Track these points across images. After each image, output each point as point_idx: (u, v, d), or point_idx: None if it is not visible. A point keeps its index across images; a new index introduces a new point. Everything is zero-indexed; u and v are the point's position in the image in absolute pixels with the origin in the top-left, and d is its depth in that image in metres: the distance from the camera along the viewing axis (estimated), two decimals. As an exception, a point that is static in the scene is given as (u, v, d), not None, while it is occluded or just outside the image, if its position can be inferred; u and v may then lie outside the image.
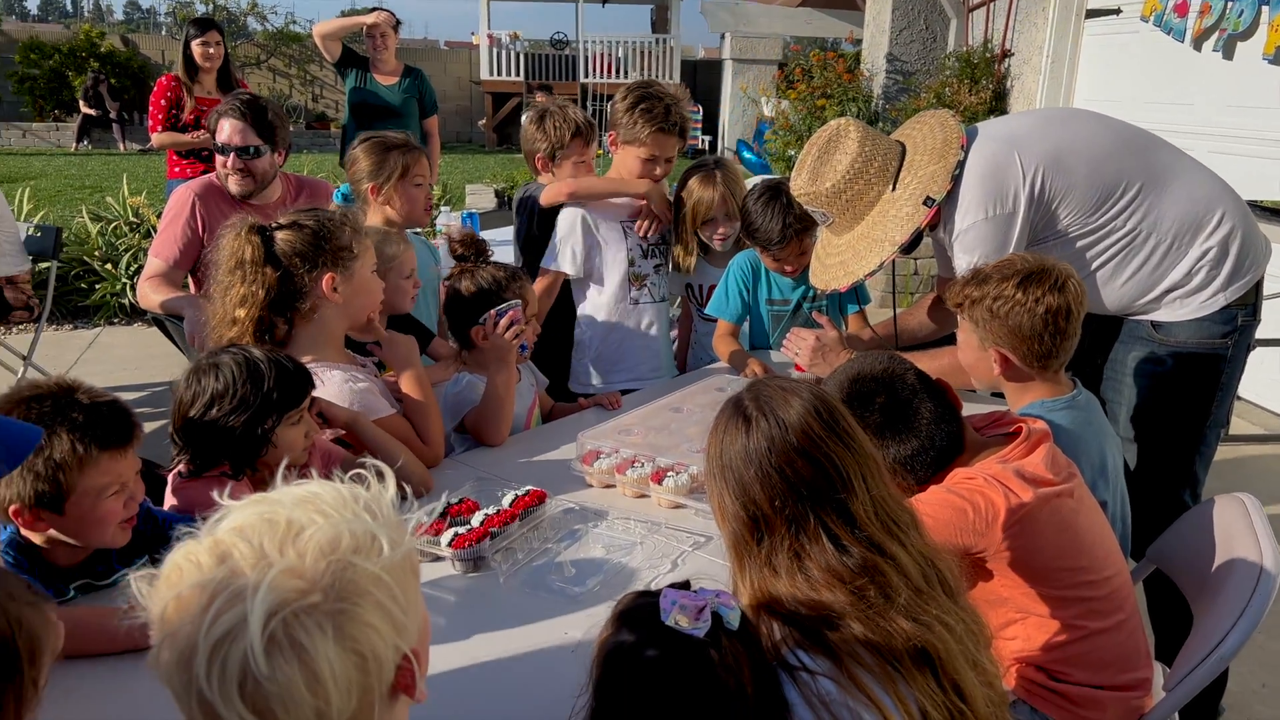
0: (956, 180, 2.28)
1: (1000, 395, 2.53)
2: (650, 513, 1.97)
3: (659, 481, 1.98)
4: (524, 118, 3.02)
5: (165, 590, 0.84)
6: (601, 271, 3.05)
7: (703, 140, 18.34)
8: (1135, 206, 2.24)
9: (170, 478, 1.90)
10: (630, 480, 2.01)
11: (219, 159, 3.33)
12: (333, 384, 2.12)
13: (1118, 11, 6.50)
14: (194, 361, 1.88)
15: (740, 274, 2.99)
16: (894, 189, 2.35)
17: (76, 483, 1.51)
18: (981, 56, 7.63)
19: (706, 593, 1.16)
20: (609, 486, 2.07)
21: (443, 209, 4.86)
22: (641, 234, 3.05)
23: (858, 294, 3.01)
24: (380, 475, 0.94)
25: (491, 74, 18.80)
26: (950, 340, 2.52)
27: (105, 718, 1.37)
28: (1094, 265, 2.28)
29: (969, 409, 1.96)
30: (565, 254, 3.00)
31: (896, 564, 1.30)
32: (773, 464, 1.29)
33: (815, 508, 1.29)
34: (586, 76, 17.88)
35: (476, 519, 1.78)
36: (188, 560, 0.84)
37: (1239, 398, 2.42)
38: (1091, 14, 6.75)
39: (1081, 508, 1.74)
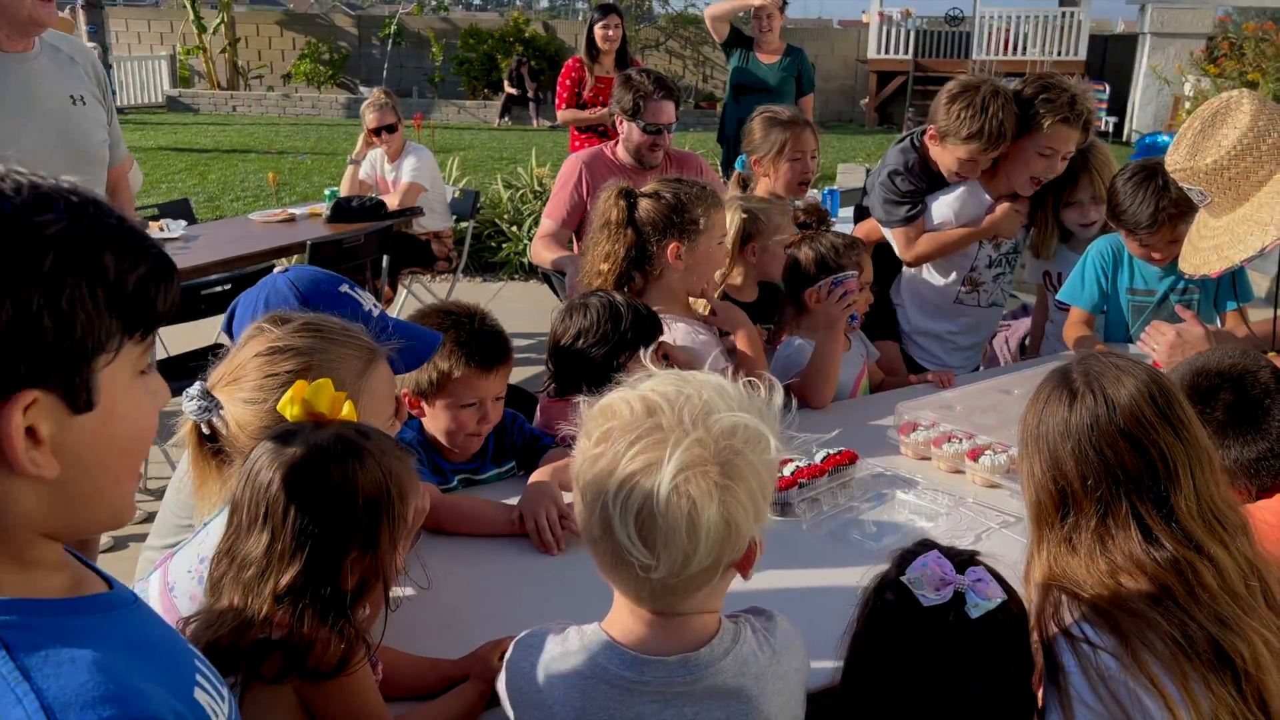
0: None
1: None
2: (963, 489, 1.98)
3: (975, 459, 1.99)
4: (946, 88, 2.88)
5: (601, 418, 1.07)
6: (943, 260, 3.03)
7: (1106, 122, 16.78)
8: None
9: (540, 398, 2.24)
10: (946, 455, 2.04)
11: (638, 136, 3.62)
12: (678, 333, 2.35)
13: None
14: (568, 301, 2.21)
15: (1100, 259, 2.82)
16: (1288, 171, 2.12)
17: (446, 387, 1.87)
18: None
19: (976, 573, 1.18)
20: (924, 459, 2.10)
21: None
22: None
23: (1236, 288, 2.71)
24: (772, 386, 1.12)
25: (878, 52, 18.50)
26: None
27: (476, 587, 1.68)
28: None
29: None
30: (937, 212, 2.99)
31: (1215, 565, 1.25)
32: (1092, 443, 1.27)
33: (1131, 494, 1.26)
34: (980, 54, 17.04)
35: (788, 470, 1.91)
36: (624, 403, 1.06)
37: None
38: None
39: None
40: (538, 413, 2.21)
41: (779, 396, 1.12)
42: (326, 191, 5.96)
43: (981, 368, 3.29)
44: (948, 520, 1.84)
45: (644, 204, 2.39)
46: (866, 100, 18.99)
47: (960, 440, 2.04)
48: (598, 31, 5.75)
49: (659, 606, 1.08)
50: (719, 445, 1.01)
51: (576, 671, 1.11)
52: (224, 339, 1.68)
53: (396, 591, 1.36)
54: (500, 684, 1.18)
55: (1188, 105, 11.27)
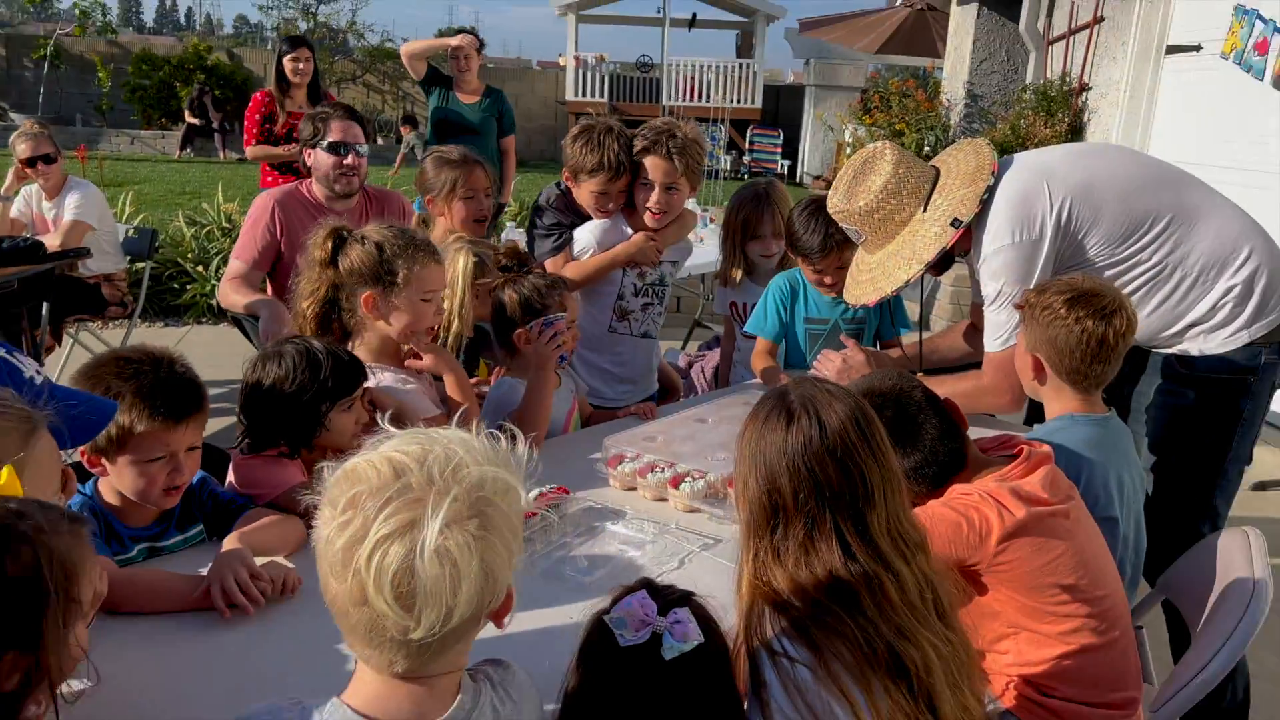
0: (986, 205, 2.35)
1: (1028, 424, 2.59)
2: (667, 515, 2.08)
3: (676, 486, 2.09)
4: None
5: (346, 484, 1.03)
6: (590, 289, 3.15)
7: (782, 165, 18.39)
8: (1163, 240, 2.28)
9: (233, 454, 2.09)
10: (650, 484, 2.13)
11: (327, 160, 3.51)
12: (385, 381, 2.29)
13: (1198, 48, 6.42)
14: (261, 349, 2.08)
15: (779, 292, 3.09)
16: (925, 211, 2.43)
17: (129, 443, 1.71)
18: (1059, 90, 7.59)
19: (677, 615, 1.22)
20: (631, 489, 2.18)
21: (509, 224, 5.05)
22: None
23: (895, 317, 3.08)
24: (514, 437, 1.14)
25: (576, 95, 19.17)
26: (978, 366, 2.59)
27: (163, 670, 1.52)
28: None
29: (988, 432, 2.03)
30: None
31: (898, 580, 1.38)
32: (805, 462, 1.36)
33: (835, 511, 1.36)
34: (669, 100, 18.11)
35: (521, 465, 1.92)
36: (369, 467, 1.03)
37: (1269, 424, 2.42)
38: (1171, 50, 6.67)
39: (1078, 528, 1.80)
40: (230, 471, 2.05)
41: (521, 445, 1.13)
42: (-32, 231, 5.25)
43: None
44: (654, 547, 1.92)
45: (351, 248, 2.32)
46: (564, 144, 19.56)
47: (663, 469, 2.14)
48: (287, 64, 5.52)
49: (411, 669, 1.06)
50: (472, 498, 1.02)
51: (325, 752, 1.05)
52: None
53: (74, 683, 1.23)
54: None
55: (848, 151, 12.62)
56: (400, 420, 2.21)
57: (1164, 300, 2.31)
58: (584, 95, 19.15)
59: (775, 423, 1.40)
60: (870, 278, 2.51)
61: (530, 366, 2.51)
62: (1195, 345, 2.32)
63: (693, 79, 19.21)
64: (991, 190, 2.36)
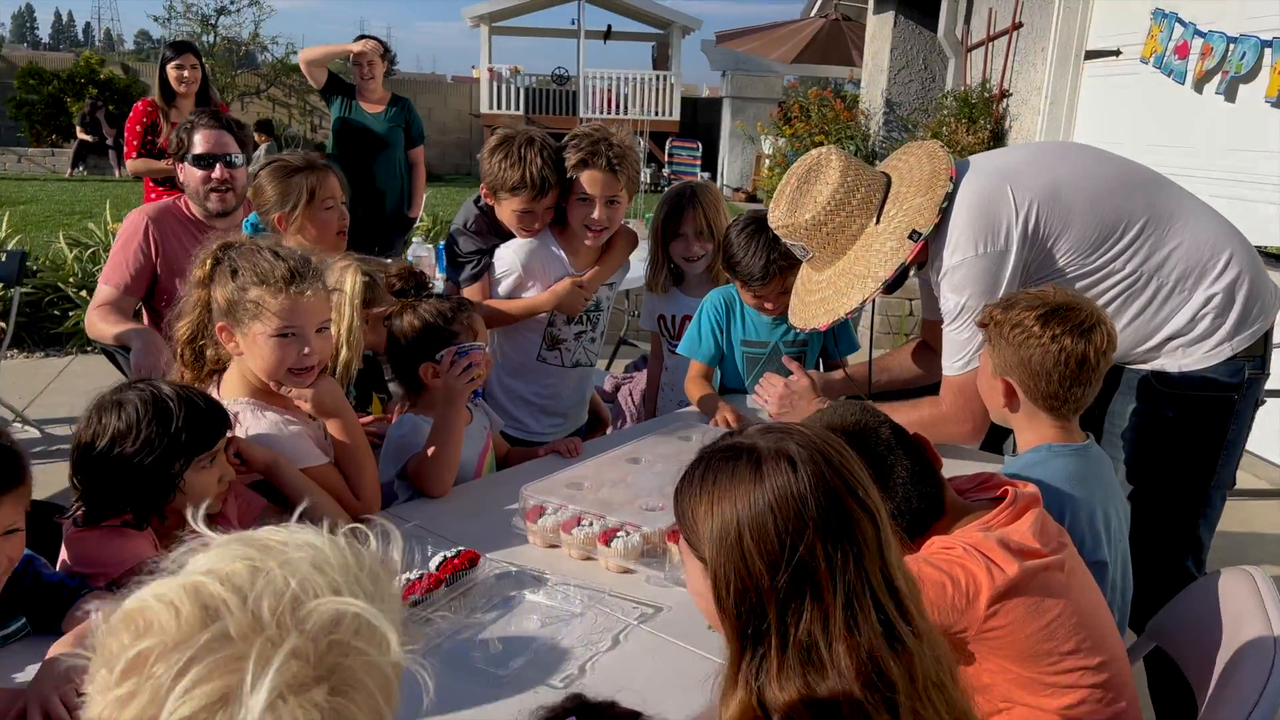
0: (945, 214, 2.11)
1: (992, 451, 2.35)
2: (596, 577, 1.77)
3: (607, 543, 1.79)
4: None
5: (129, 634, 0.69)
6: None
7: (702, 177, 18.26)
8: (1137, 247, 2.08)
9: (66, 526, 1.71)
10: (576, 540, 1.82)
11: (195, 174, 3.12)
12: (262, 425, 1.94)
13: (1117, 53, 6.40)
14: (97, 397, 1.70)
15: (714, 312, 2.81)
16: (878, 222, 2.19)
17: None
18: (980, 96, 7.53)
19: None
20: (554, 546, 1.87)
21: (415, 241, 4.69)
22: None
23: (837, 339, 2.83)
24: (386, 535, 0.82)
25: (491, 107, 18.78)
26: (932, 390, 2.36)
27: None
28: None
29: (958, 468, 1.78)
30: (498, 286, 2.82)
31: (920, 647, 1.08)
32: (797, 514, 1.04)
33: (848, 573, 1.05)
34: (587, 112, 17.85)
35: (396, 585, 1.58)
36: (165, 606, 0.69)
37: (1246, 451, 2.22)
38: (1091, 55, 6.64)
39: (1073, 582, 1.55)
40: (63, 547, 1.68)
41: (398, 549, 0.82)
42: None
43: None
44: (583, 622, 1.61)
45: (221, 272, 1.95)
46: (481, 159, 19.18)
47: (590, 522, 1.84)
48: (170, 72, 5.12)
49: None
50: (320, 648, 0.70)
51: None
52: None
53: None
54: None
55: (767, 162, 12.51)
56: (275, 475, 1.90)
57: (1140, 312, 2.10)
58: (499, 108, 18.75)
59: (741, 480, 1.09)
60: (820, 298, 2.25)
61: (438, 402, 2.19)
62: (1174, 361, 2.11)
63: (610, 91, 18.98)
64: (950, 197, 2.12)
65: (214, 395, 1.93)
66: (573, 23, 19.26)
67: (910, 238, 2.11)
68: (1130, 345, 2.12)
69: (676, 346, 2.96)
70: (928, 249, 2.17)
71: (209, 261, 1.98)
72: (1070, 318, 1.80)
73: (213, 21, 18.83)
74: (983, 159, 2.25)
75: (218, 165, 3.11)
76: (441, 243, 4.58)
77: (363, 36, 6.07)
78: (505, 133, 2.75)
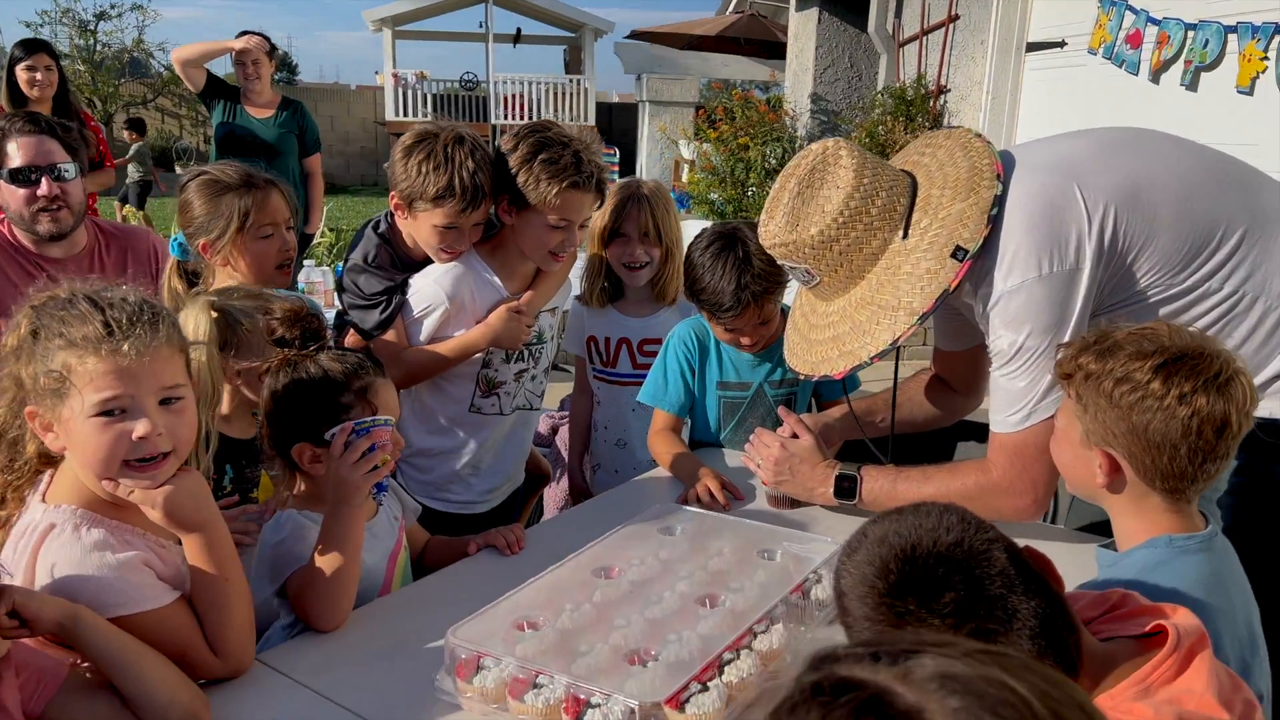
0: (993, 224, 1.62)
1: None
2: (565, 768, 1.21)
3: (578, 716, 1.23)
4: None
5: None
6: None
7: (619, 183, 17.74)
8: (1237, 261, 1.61)
9: None
10: (533, 711, 1.26)
11: (16, 194, 2.50)
12: (68, 555, 1.32)
13: (1062, 44, 6.09)
14: None
15: (682, 348, 2.27)
16: (905, 236, 1.68)
17: None
18: (917, 93, 7.17)
19: None
20: (499, 706, 1.30)
21: (306, 264, 4.03)
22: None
23: (845, 381, 2.31)
24: None
25: (396, 114, 17.96)
26: (954, 436, 1.87)
27: None
28: None
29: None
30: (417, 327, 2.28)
31: None
32: None
33: None
34: (498, 118, 17.19)
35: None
36: None
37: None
38: (1033, 46, 6.33)
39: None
40: None
41: None
42: None
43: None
44: None
45: (25, 335, 1.36)
46: (389, 164, 18.39)
47: (551, 682, 1.27)
48: (21, 74, 4.47)
49: None
50: None
51: None
52: None
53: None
54: None
55: (686, 168, 12.04)
56: (74, 639, 1.26)
57: (1242, 343, 1.64)
58: (405, 115, 17.95)
59: None
60: (832, 336, 1.74)
61: (329, 497, 1.59)
62: (1287, 406, 1.65)
63: (521, 96, 18.34)
64: (999, 201, 1.62)
65: (36, 503, 1.34)
66: (480, 26, 18.61)
67: (954, 256, 1.61)
68: (1235, 388, 1.65)
69: (607, 374, 2.46)
70: (968, 269, 1.66)
71: (24, 322, 1.37)
72: (1201, 368, 1.30)
73: (92, 27, 17.62)
74: (1033, 151, 1.77)
75: (43, 179, 2.47)
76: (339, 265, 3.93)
77: (245, 33, 5.39)
78: (425, 128, 2.20)
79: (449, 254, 2.23)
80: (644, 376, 2.37)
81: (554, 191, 2.10)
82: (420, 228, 2.21)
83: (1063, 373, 1.42)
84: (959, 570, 1.04)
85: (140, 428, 1.30)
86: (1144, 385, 1.30)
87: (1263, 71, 4.54)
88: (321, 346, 1.69)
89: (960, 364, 2.13)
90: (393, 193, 2.23)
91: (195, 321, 1.74)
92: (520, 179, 2.12)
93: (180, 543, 1.41)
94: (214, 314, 1.78)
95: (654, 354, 2.38)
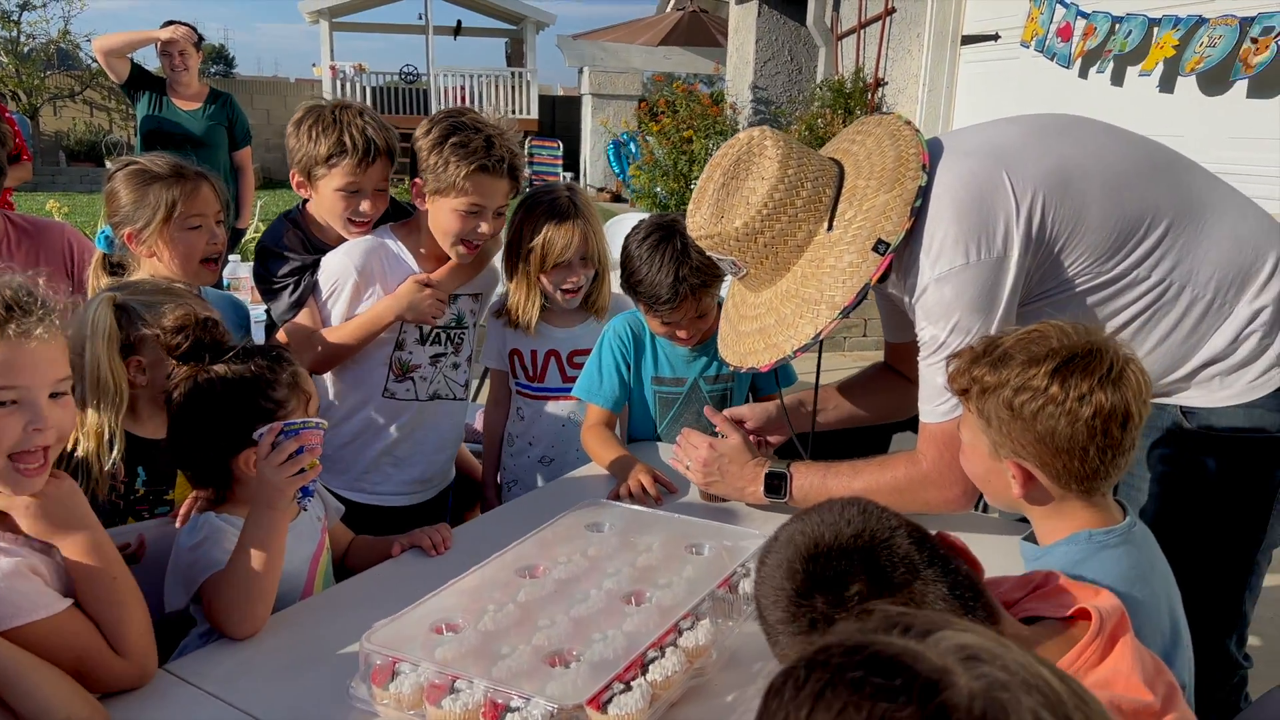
0: (918, 213, 1.61)
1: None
2: (485, 773, 1.18)
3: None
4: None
5: None
6: None
7: (564, 178, 17.64)
8: (1165, 249, 1.62)
9: None
10: (450, 716, 1.22)
11: None
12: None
13: (996, 37, 6.18)
14: None
15: (617, 343, 2.24)
16: (830, 228, 1.67)
17: None
18: (855, 85, 7.22)
19: None
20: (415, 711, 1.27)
21: (231, 259, 3.92)
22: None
23: (777, 372, 2.29)
24: None
25: (335, 108, 17.67)
26: (889, 428, 1.87)
27: None
28: (1108, 331, 1.64)
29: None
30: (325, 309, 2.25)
31: None
32: None
33: None
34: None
35: None
36: None
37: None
38: (968, 40, 6.41)
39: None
40: None
41: None
42: None
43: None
44: None
45: None
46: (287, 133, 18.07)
47: (470, 686, 1.23)
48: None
49: None
50: None
51: None
52: None
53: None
54: None
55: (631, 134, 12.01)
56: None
57: (1169, 332, 1.65)
58: (345, 108, 17.68)
59: None
60: (760, 328, 1.72)
61: (252, 501, 1.54)
62: (1209, 394, 1.67)
63: (463, 89, 18.12)
64: (925, 191, 1.62)
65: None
66: (420, 18, 18.37)
67: (875, 249, 1.60)
68: (1158, 374, 1.66)
69: (532, 389, 2.42)
70: (894, 259, 1.65)
71: None
72: (1094, 366, 1.29)
73: (15, 18, 17.03)
74: (962, 137, 1.77)
75: None
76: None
77: (171, 22, 5.23)
78: (312, 103, 2.28)
79: (358, 224, 2.24)
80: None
81: (462, 174, 2.08)
82: (323, 199, 2.23)
83: (958, 388, 1.40)
84: (861, 560, 1.03)
85: (32, 422, 1.25)
86: (1043, 392, 1.28)
87: (1170, 58, 4.62)
88: (222, 352, 1.64)
89: (909, 355, 2.12)
90: (293, 170, 2.24)
91: (95, 315, 1.67)
92: (430, 160, 2.12)
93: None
94: (111, 307, 1.71)
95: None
